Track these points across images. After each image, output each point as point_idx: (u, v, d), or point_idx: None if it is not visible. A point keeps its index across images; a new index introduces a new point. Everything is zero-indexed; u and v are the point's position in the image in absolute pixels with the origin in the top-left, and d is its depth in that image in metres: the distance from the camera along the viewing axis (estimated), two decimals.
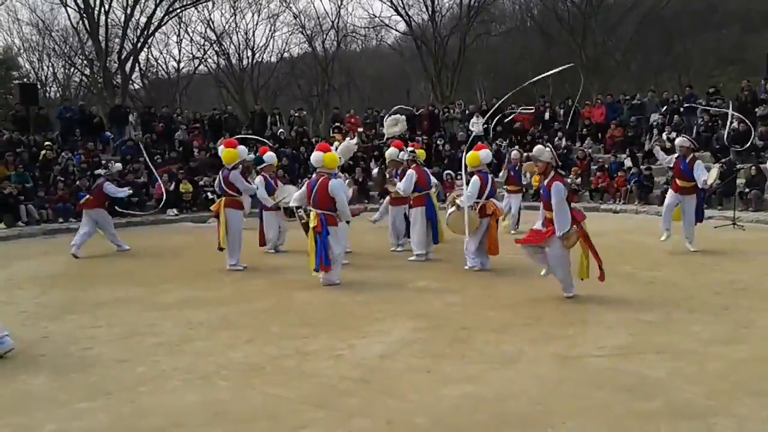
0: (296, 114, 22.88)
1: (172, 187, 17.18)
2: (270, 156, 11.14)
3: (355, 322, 6.51)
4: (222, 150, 9.77)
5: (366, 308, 7.05)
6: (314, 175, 8.36)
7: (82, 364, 5.41)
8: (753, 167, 14.88)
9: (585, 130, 20.22)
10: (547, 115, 21.18)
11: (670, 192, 10.34)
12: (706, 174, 9.80)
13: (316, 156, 8.27)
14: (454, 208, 9.00)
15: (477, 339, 5.83)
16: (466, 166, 9.02)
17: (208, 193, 17.57)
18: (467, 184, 8.85)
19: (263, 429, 4.12)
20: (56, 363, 5.44)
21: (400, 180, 9.95)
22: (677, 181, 10.15)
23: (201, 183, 17.88)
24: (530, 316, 6.53)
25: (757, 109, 17.21)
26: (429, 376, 4.96)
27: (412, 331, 6.12)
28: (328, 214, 8.01)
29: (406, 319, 6.51)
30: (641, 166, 17.40)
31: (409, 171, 9.75)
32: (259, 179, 10.61)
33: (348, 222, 8.42)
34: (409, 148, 10.54)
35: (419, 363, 5.24)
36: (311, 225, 8.13)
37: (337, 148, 9.47)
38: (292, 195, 9.31)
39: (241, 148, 9.94)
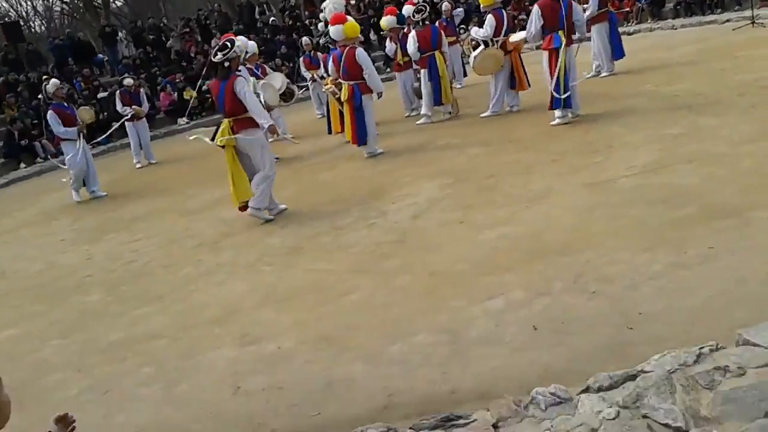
0: None
1: (175, 96, 17.00)
2: (252, 45, 10.54)
3: (383, 190, 6.53)
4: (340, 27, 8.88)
5: (390, 176, 7.05)
6: (338, 49, 8.12)
7: (129, 276, 5.58)
8: None
9: None
10: None
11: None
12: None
13: (336, 30, 7.96)
14: (478, 51, 8.92)
15: (504, 184, 5.82)
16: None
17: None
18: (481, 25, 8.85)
19: (312, 301, 4.25)
20: (104, 279, 5.62)
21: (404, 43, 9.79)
22: None
23: (204, 88, 17.54)
24: (555, 152, 6.45)
25: None
26: (462, 226, 5.01)
27: (440, 188, 6.13)
28: (361, 83, 7.89)
29: (431, 179, 6.50)
30: None
31: (411, 34, 9.46)
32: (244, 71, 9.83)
33: (380, 94, 8.12)
34: (410, 7, 10.12)
35: (451, 216, 5.28)
36: (343, 98, 8.06)
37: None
38: (277, 82, 8.83)
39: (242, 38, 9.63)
